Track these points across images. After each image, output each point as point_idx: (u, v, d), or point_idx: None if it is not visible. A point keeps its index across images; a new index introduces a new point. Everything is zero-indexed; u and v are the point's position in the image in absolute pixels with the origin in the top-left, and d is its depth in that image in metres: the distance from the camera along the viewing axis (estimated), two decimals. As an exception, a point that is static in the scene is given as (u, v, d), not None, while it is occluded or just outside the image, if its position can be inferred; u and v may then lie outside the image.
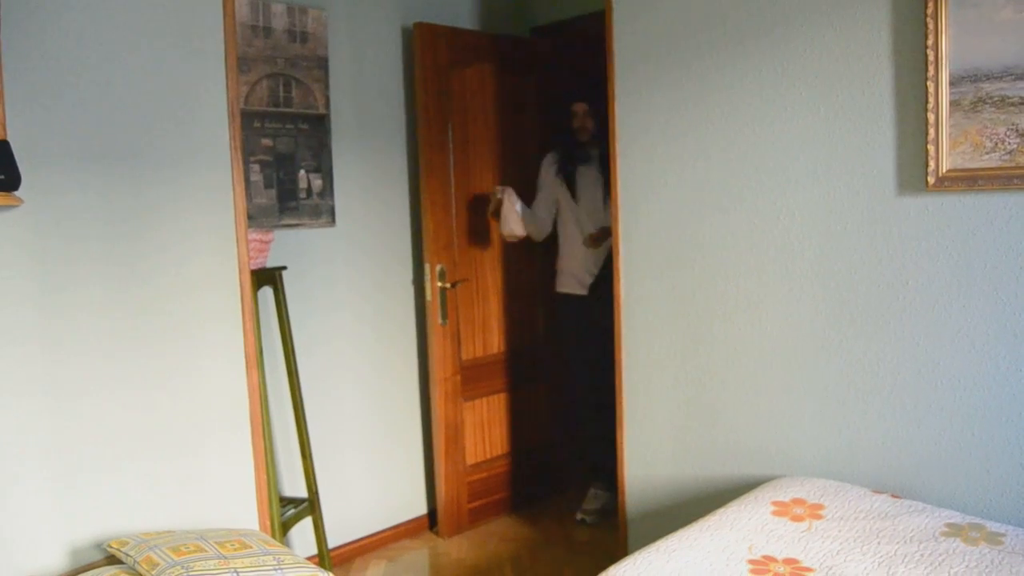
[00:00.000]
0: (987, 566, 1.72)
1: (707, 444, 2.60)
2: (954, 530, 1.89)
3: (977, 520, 1.95)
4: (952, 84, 2.14)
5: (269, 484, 2.44)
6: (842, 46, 2.26)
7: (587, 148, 3.47)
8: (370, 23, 3.24)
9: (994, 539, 1.84)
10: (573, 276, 3.53)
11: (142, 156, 2.18)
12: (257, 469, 2.37)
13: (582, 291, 3.53)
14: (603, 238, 3.33)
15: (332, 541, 3.08)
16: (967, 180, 2.11)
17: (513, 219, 3.38)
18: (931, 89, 2.15)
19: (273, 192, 2.96)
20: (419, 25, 3.26)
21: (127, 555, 1.89)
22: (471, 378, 3.47)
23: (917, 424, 2.18)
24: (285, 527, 2.67)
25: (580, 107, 3.47)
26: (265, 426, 2.46)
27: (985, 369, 2.07)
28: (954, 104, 2.14)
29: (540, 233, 3.56)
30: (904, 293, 2.19)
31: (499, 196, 3.39)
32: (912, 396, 2.19)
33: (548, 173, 3.57)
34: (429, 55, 3.27)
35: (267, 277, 2.73)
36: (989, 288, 2.06)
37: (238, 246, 2.36)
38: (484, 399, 3.52)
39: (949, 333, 2.12)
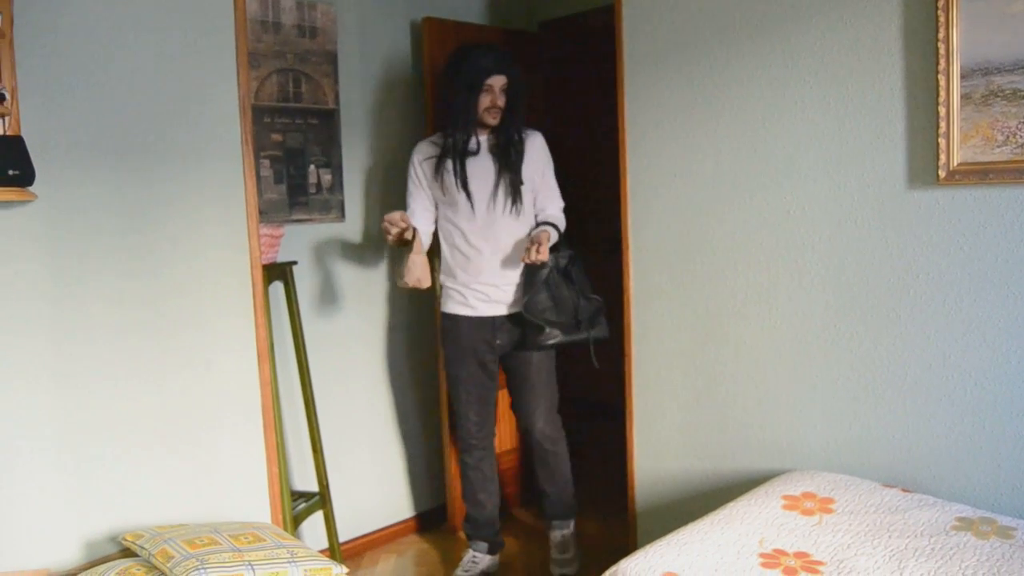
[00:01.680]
0: (998, 560, 1.72)
1: (717, 438, 2.60)
2: (965, 524, 1.89)
3: (988, 514, 1.96)
4: (963, 77, 2.13)
5: (281, 478, 2.45)
6: (852, 39, 2.26)
7: (483, 135, 2.80)
8: (379, 18, 3.24)
9: (1005, 533, 1.84)
10: (474, 292, 2.81)
11: (154, 150, 2.19)
12: (269, 463, 2.39)
13: (495, 309, 2.81)
14: (544, 243, 2.61)
15: (342, 535, 3.10)
16: (978, 174, 2.10)
17: (420, 265, 2.71)
18: (942, 82, 2.15)
19: (283, 187, 2.97)
20: (427, 20, 3.26)
21: (142, 548, 1.91)
22: None
23: (928, 418, 2.18)
24: (296, 521, 2.68)
25: (497, 80, 2.72)
26: (277, 420, 2.47)
27: (996, 363, 2.07)
28: (965, 97, 2.13)
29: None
30: (915, 287, 2.19)
31: (400, 228, 2.59)
32: (923, 390, 2.19)
33: (422, 171, 2.83)
34: (437, 49, 3.27)
35: (278, 272, 2.74)
36: (1000, 282, 2.05)
37: (250, 240, 2.37)
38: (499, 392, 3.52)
39: (960, 327, 2.12)
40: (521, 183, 2.78)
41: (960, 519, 1.92)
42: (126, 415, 2.14)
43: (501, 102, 2.74)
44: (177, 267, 2.23)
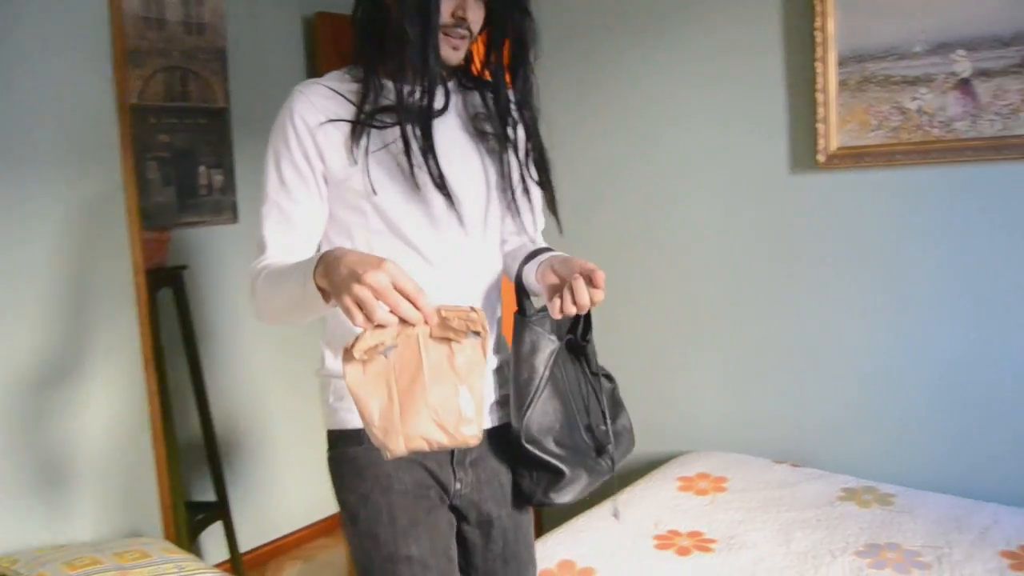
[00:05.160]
0: (879, 526, 1.79)
1: (620, 425, 2.63)
2: (849, 494, 1.96)
3: (870, 483, 2.03)
4: (840, 64, 2.21)
5: (173, 489, 2.36)
6: (735, 30, 2.31)
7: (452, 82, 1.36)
8: (270, 13, 3.16)
9: (886, 500, 1.92)
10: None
11: (25, 157, 2.07)
12: (159, 474, 2.30)
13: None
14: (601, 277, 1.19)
15: (249, 543, 3.01)
16: (854, 157, 2.18)
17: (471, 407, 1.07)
18: (819, 70, 2.21)
19: (172, 190, 2.86)
20: (320, 15, 3.20)
21: (17, 573, 1.81)
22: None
23: (815, 394, 2.25)
24: (195, 532, 2.60)
25: None
26: (168, 430, 2.38)
27: (876, 338, 2.15)
28: (842, 84, 2.21)
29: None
30: (799, 268, 2.25)
31: (422, 312, 1.00)
32: (809, 367, 2.26)
33: (312, 143, 1.25)
34: (331, 46, 3.21)
35: (166, 277, 2.65)
36: (876, 261, 2.13)
37: (131, 246, 2.27)
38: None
39: (841, 305, 2.19)
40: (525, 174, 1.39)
41: (845, 489, 1.99)
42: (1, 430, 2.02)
43: (475, 18, 1.27)
44: (55, 278, 2.12)
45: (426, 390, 1.02)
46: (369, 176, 1.24)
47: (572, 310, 1.20)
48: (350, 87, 1.27)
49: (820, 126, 2.22)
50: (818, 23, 2.21)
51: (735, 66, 2.32)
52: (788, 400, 2.29)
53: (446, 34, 1.25)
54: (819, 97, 2.22)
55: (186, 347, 2.72)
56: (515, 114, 1.36)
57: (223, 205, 3.00)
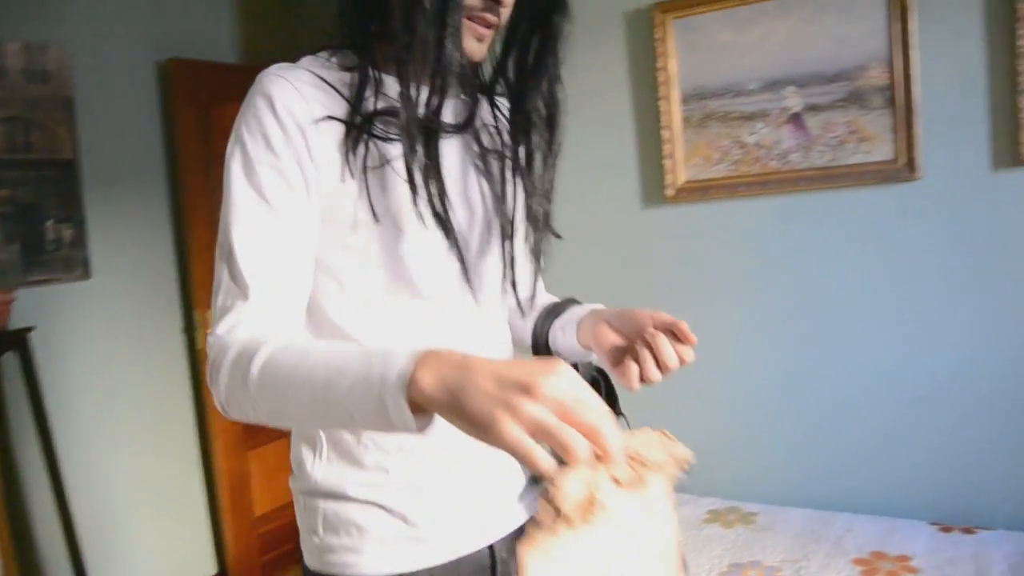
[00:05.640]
0: (742, 545, 1.85)
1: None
2: (714, 516, 2.02)
3: (734, 503, 2.10)
4: (683, 102, 2.32)
5: (24, 570, 2.20)
6: (586, 72, 2.39)
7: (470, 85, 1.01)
8: (120, 60, 3.05)
9: (748, 519, 1.99)
10: (438, 499, 0.97)
11: None
12: (3, 558, 2.14)
13: (496, 524, 1.01)
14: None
15: (117, 619, 2.83)
16: (700, 191, 2.28)
17: None
18: (663, 108, 2.32)
19: (16, 247, 2.70)
20: (173, 61, 3.11)
21: None
22: (255, 424, 3.29)
23: (677, 420, 2.31)
24: (51, 614, 2.42)
25: None
26: (15, 508, 2.22)
27: (731, 363, 2.24)
28: (685, 121, 2.32)
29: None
30: (653, 298, 2.33)
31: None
32: (669, 394, 2.32)
33: (305, 145, 0.88)
34: (186, 92, 3.12)
35: (10, 340, 2.49)
36: (725, 289, 2.23)
37: (-35, 310, 2.13)
38: (271, 444, 3.37)
39: (696, 332, 2.27)
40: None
41: (711, 512, 2.05)
42: None
43: (496, 20, 0.93)
44: None
45: None
46: (370, 197, 0.90)
47: (657, 376, 0.95)
48: (340, 76, 0.93)
49: (667, 162, 2.32)
50: (660, 63, 2.31)
51: (588, 105, 2.40)
52: (653, 427, 2.35)
53: (470, 19, 0.91)
54: (665, 134, 2.32)
55: (35, 415, 2.55)
56: (535, 136, 1.04)
57: (74, 261, 2.85)
